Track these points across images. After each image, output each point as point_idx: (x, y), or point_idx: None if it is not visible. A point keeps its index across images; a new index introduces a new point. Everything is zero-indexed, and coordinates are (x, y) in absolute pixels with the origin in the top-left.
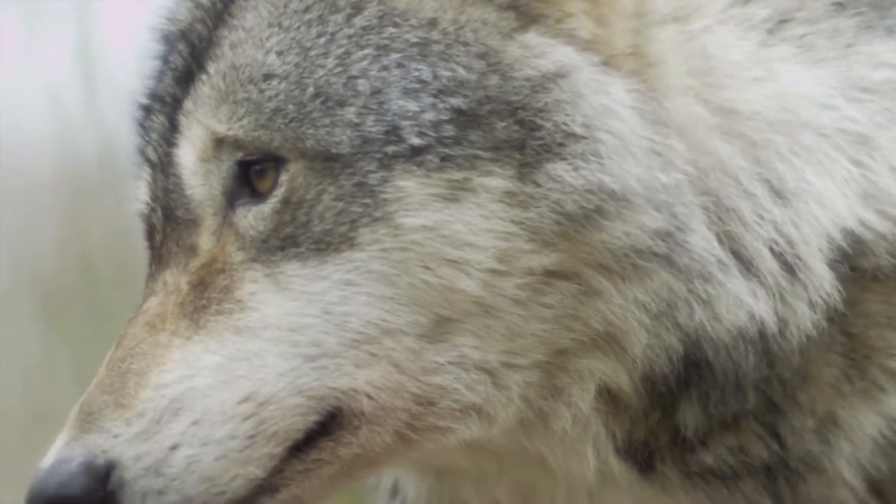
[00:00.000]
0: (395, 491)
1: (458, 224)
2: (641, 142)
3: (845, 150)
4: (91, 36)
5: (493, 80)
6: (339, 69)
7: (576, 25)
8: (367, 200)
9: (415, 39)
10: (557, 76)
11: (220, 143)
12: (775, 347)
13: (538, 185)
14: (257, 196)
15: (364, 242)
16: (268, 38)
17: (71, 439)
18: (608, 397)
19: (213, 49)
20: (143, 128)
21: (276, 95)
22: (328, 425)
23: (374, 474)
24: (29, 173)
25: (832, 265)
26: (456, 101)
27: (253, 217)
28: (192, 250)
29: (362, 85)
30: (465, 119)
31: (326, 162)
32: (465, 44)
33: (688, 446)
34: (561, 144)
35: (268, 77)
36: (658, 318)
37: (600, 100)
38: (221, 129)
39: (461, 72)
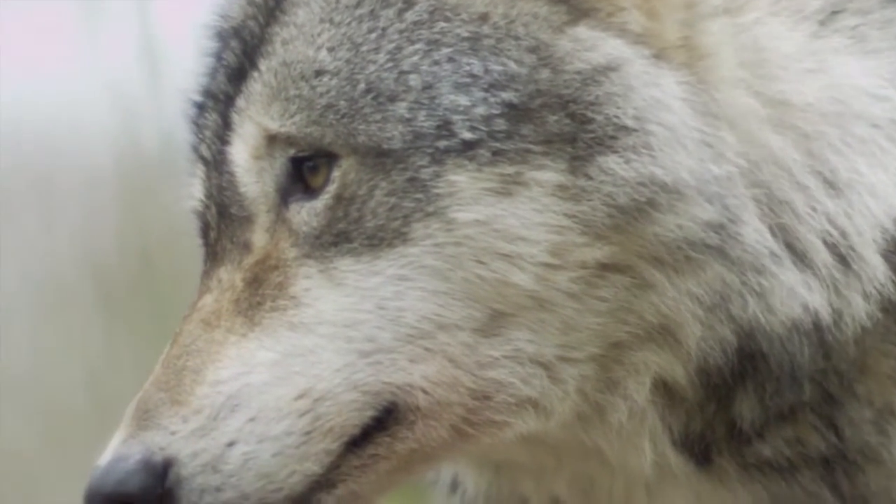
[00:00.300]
0: (454, 485)
1: (510, 218)
2: (693, 134)
3: None
4: (153, 28)
5: (545, 73)
6: (390, 64)
7: (627, 19)
8: (419, 195)
9: (466, 34)
10: (608, 69)
11: (272, 140)
12: (830, 339)
13: (590, 179)
14: (310, 192)
15: (417, 237)
16: (319, 35)
17: (128, 437)
18: (664, 390)
19: (265, 46)
20: (197, 125)
21: (328, 92)
22: (384, 420)
23: (431, 469)
24: (90, 166)
25: (886, 256)
26: (507, 96)
27: (306, 213)
28: (247, 247)
29: (413, 80)
30: (516, 113)
31: (378, 157)
32: (517, 38)
33: (744, 438)
34: (612, 137)
35: (319, 73)
36: (712, 310)
37: (651, 92)
38: (274, 126)
39: (512, 66)
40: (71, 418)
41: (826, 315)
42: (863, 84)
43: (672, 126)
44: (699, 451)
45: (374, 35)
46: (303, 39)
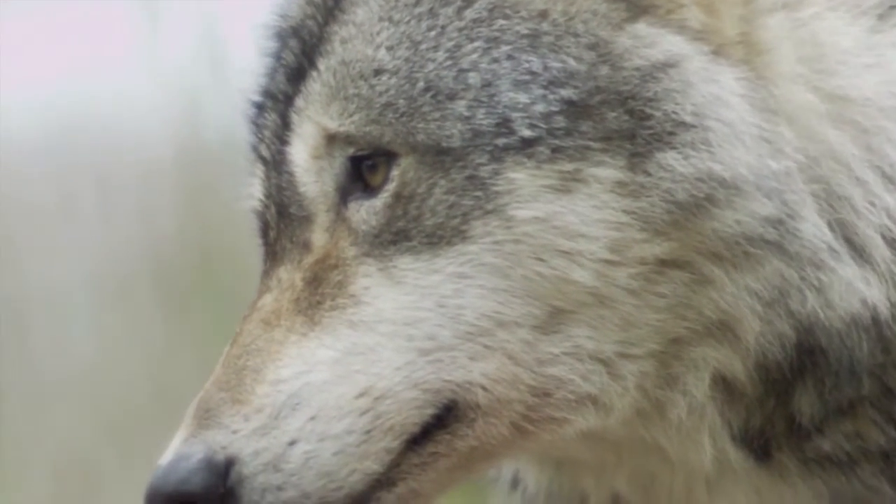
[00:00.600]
0: (515, 483)
1: (569, 215)
2: (751, 129)
3: None
4: (215, 23)
5: (604, 70)
6: (449, 62)
7: (686, 16)
8: (478, 193)
9: (525, 31)
10: (667, 66)
11: (331, 139)
12: (889, 333)
13: (649, 175)
14: (369, 191)
15: (476, 235)
16: (378, 33)
17: (189, 436)
18: (723, 385)
19: (324, 45)
20: (256, 125)
21: (387, 90)
22: (444, 418)
23: (492, 467)
24: (151, 162)
25: None
26: (566, 93)
27: (365, 212)
28: (306, 247)
29: (473, 78)
30: (575, 110)
31: (437, 156)
32: (576, 35)
33: (804, 433)
34: (671, 133)
35: (378, 72)
36: (770, 305)
37: (710, 88)
38: (333, 125)
39: (571, 63)
40: (132, 412)
41: (885, 309)
42: None
43: (730, 122)
44: (759, 446)
45: (433, 33)
46: (362, 38)
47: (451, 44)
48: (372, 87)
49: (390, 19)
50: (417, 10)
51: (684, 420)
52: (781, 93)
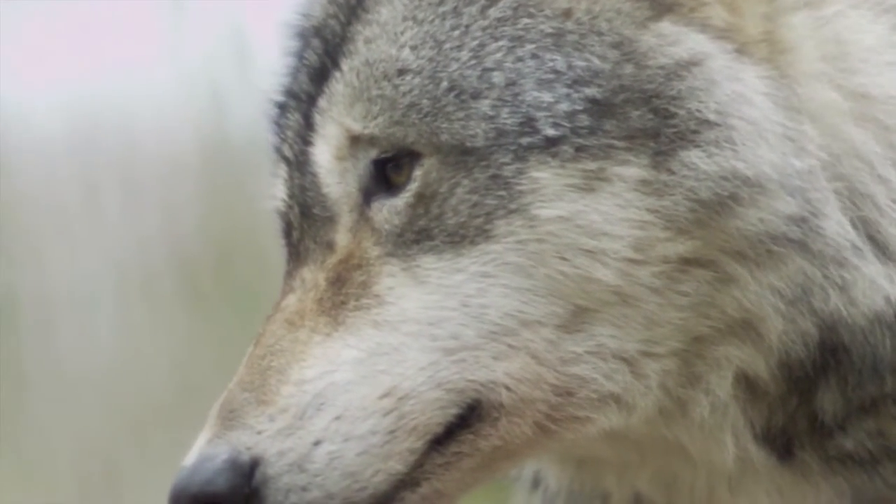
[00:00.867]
0: (536, 482)
1: (593, 214)
2: (774, 128)
3: None
4: (241, 19)
5: (628, 69)
6: (473, 62)
7: (709, 14)
8: (502, 192)
9: (549, 30)
10: (691, 64)
11: (355, 141)
12: None
13: (672, 173)
14: (392, 190)
15: (500, 234)
16: (402, 33)
17: (214, 436)
18: (746, 384)
19: (347, 45)
20: (279, 125)
21: (411, 91)
22: (468, 418)
23: (515, 466)
24: (175, 157)
25: None
26: (591, 91)
27: (387, 211)
28: (329, 247)
29: (497, 77)
30: (599, 109)
31: (461, 155)
32: (600, 33)
33: (826, 432)
34: (695, 132)
35: (402, 72)
36: (794, 303)
37: (733, 87)
38: (357, 127)
39: (596, 61)
40: (154, 408)
41: None
42: None
43: (754, 120)
44: (781, 445)
45: (457, 32)
46: (385, 38)
47: (474, 43)
48: (396, 87)
49: (414, 19)
50: (441, 10)
51: (707, 419)
52: (804, 91)
